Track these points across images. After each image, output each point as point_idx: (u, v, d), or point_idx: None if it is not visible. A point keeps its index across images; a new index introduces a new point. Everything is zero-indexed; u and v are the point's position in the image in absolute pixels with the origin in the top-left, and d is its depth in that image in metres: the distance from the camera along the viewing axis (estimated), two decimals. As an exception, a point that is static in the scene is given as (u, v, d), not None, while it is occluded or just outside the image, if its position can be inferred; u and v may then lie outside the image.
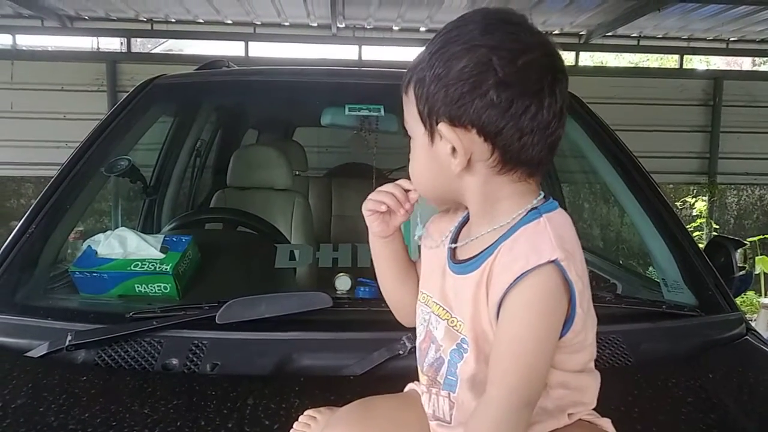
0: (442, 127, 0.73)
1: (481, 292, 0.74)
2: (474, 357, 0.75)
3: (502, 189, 0.75)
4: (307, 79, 2.08)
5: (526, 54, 0.71)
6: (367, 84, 2.05)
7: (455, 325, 0.78)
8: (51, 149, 5.91)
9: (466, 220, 0.85)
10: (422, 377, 0.84)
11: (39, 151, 5.99)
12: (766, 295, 5.39)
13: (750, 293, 5.52)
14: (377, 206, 0.87)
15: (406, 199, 0.86)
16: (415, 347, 1.05)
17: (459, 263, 0.79)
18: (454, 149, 0.73)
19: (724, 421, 1.01)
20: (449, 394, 0.79)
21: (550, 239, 0.71)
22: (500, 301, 0.71)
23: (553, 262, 0.69)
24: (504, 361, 0.71)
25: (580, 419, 0.80)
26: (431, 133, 0.75)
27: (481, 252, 0.76)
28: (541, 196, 0.77)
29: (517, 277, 0.69)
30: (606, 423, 0.83)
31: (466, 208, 0.83)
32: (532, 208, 0.75)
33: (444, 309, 0.81)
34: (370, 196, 0.88)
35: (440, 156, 0.75)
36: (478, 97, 0.71)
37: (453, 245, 0.83)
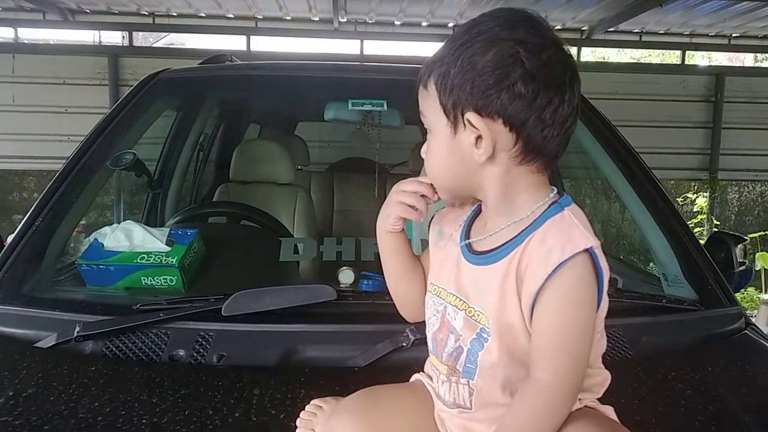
0: (471, 116, 0.75)
1: (509, 283, 0.76)
2: (497, 346, 0.78)
3: (521, 180, 0.78)
4: (309, 74, 2.09)
5: (549, 49, 0.75)
6: (369, 79, 2.06)
7: (473, 315, 0.80)
8: (53, 143, 5.94)
9: (475, 214, 0.86)
10: (441, 367, 0.85)
11: (41, 144, 6.01)
12: (766, 291, 5.41)
13: (750, 289, 5.54)
14: (408, 212, 0.86)
15: (431, 198, 0.86)
16: (418, 339, 1.09)
17: (479, 254, 0.81)
18: (478, 139, 0.75)
19: (722, 413, 1.02)
20: (468, 381, 0.81)
21: (580, 229, 0.75)
22: (536, 292, 0.73)
23: (587, 250, 0.73)
24: (553, 350, 0.74)
25: (585, 406, 0.82)
26: (455, 124, 0.77)
27: (505, 243, 0.78)
28: (555, 190, 0.80)
29: (555, 268, 0.72)
30: (609, 410, 0.85)
31: (475, 202, 0.85)
32: (553, 202, 0.78)
33: (461, 300, 0.82)
34: (399, 199, 0.86)
35: (463, 146, 0.77)
36: (505, 88, 0.73)
37: (468, 240, 0.84)
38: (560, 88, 0.75)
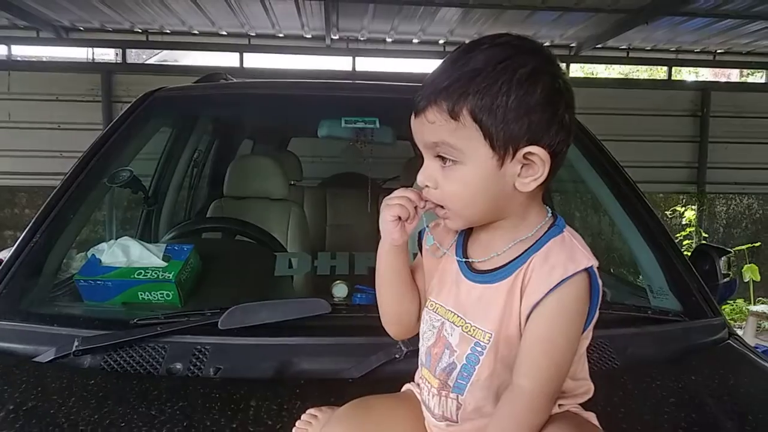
0: (532, 149, 0.77)
1: (513, 299, 0.80)
2: (492, 357, 0.81)
3: (534, 200, 0.83)
4: (302, 93, 2.13)
5: (563, 75, 0.80)
6: (360, 97, 2.10)
7: (469, 330, 0.83)
8: (45, 159, 5.94)
9: (466, 232, 0.89)
10: (433, 380, 0.87)
11: (33, 161, 6.01)
12: (755, 302, 5.46)
13: (740, 301, 5.60)
14: (402, 211, 0.85)
15: (418, 204, 0.86)
16: (411, 351, 1.11)
17: (483, 273, 0.84)
18: (522, 168, 0.78)
19: (705, 420, 1.05)
20: (457, 396, 0.85)
21: (581, 249, 0.79)
22: (534, 305, 0.77)
23: (587, 269, 0.77)
24: (537, 358, 0.78)
25: (568, 410, 0.86)
26: (503, 156, 0.77)
27: (510, 262, 0.82)
28: (549, 210, 0.85)
29: (557, 284, 0.76)
30: (591, 416, 0.88)
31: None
32: (551, 224, 0.83)
33: (458, 316, 0.85)
34: (388, 202, 0.86)
35: (506, 176, 0.78)
36: (557, 122, 0.78)
37: (468, 260, 0.86)
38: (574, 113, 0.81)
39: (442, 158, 0.80)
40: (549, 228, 0.83)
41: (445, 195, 0.81)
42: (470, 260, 0.86)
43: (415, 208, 0.85)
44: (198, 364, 1.15)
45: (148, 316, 1.26)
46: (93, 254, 1.48)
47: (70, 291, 1.51)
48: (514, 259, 0.81)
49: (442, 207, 0.83)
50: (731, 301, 5.52)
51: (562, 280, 0.76)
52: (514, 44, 0.79)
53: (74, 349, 1.15)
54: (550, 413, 0.81)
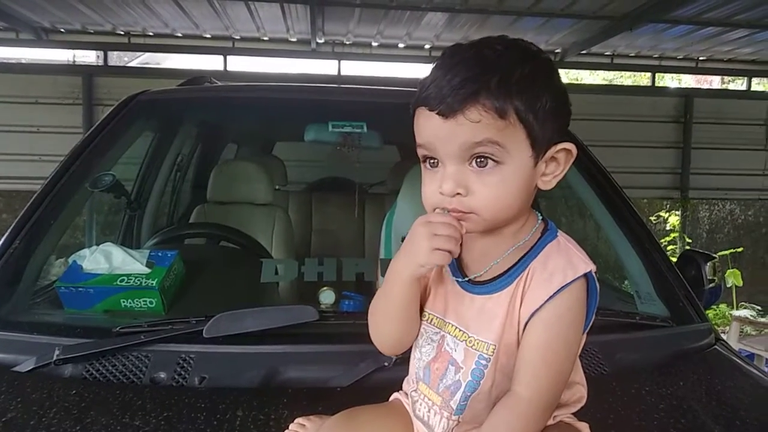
0: (565, 146, 0.79)
1: (514, 308, 0.79)
2: (494, 368, 0.80)
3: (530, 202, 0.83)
4: (287, 96, 2.12)
5: None
6: (347, 101, 2.09)
7: (473, 344, 0.81)
8: (24, 163, 5.86)
9: None
10: (435, 397, 0.85)
11: (11, 164, 5.93)
12: (737, 307, 5.52)
13: (722, 306, 5.66)
14: (446, 259, 0.77)
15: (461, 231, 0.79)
16: (400, 359, 1.09)
17: (482, 284, 0.82)
18: (547, 165, 0.80)
19: (693, 425, 1.05)
20: (458, 417, 0.83)
21: (578, 254, 0.79)
22: (533, 312, 0.77)
23: (585, 275, 0.77)
24: (536, 366, 0.77)
25: (560, 421, 0.85)
26: (539, 154, 0.78)
27: (509, 270, 0.80)
28: (539, 213, 0.85)
29: (556, 292, 0.76)
30: (584, 427, 0.87)
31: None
32: (544, 228, 0.83)
33: (461, 330, 0.83)
34: (435, 245, 0.76)
35: (536, 175, 0.79)
36: (569, 117, 0.81)
37: (470, 277, 0.84)
38: None
39: (480, 161, 0.76)
40: (542, 233, 0.82)
41: (479, 201, 0.76)
42: (470, 278, 0.84)
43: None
44: (182, 373, 1.13)
45: (131, 324, 1.23)
46: (74, 260, 1.45)
47: (51, 298, 1.47)
48: (513, 267, 0.80)
49: (464, 213, 0.78)
50: (714, 306, 5.57)
51: (561, 288, 0.76)
52: (527, 46, 0.80)
53: (55, 358, 1.12)
54: (546, 424, 0.80)
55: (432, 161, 0.79)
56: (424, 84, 0.77)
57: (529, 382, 0.77)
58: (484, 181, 0.76)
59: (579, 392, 0.88)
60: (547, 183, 0.81)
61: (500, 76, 0.73)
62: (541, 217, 0.85)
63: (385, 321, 0.89)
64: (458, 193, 0.76)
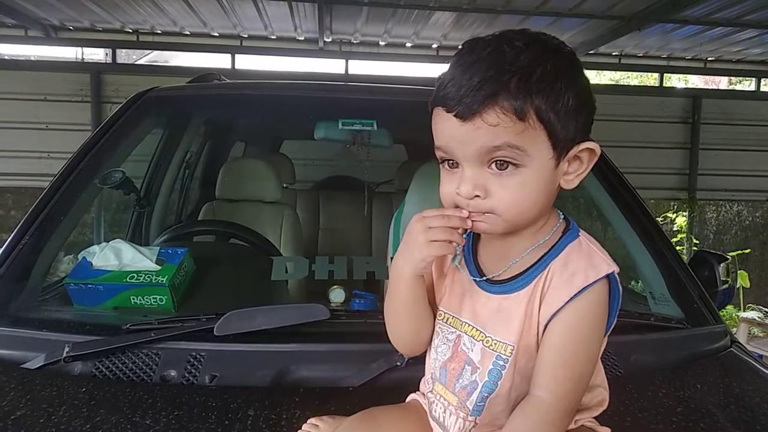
0: (587, 145, 0.77)
1: (533, 308, 0.77)
2: (512, 370, 0.78)
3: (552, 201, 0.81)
4: (296, 94, 2.10)
5: None
6: (356, 99, 2.07)
7: (490, 345, 0.80)
8: (32, 160, 5.87)
9: (473, 239, 0.86)
10: (451, 397, 0.83)
11: (19, 161, 5.93)
12: (744, 309, 5.49)
13: (729, 307, 5.63)
14: (447, 249, 0.78)
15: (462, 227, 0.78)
16: (412, 359, 1.08)
17: (500, 283, 0.81)
18: (569, 165, 0.77)
19: (713, 430, 1.03)
20: (475, 419, 0.81)
21: (600, 255, 0.77)
22: (553, 314, 0.75)
23: (607, 276, 0.75)
24: (556, 369, 0.75)
25: (582, 425, 0.83)
26: (561, 155, 0.76)
27: (528, 269, 0.79)
28: (560, 212, 0.83)
29: (577, 293, 0.74)
30: (606, 431, 0.85)
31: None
32: (565, 227, 0.81)
33: (477, 330, 0.81)
34: (432, 236, 0.77)
35: (558, 175, 0.77)
36: (593, 114, 0.78)
37: (488, 276, 0.82)
38: None
39: (499, 164, 0.74)
40: (564, 232, 0.80)
41: (499, 203, 0.75)
42: (488, 277, 0.82)
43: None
44: (193, 371, 1.12)
45: (141, 322, 1.22)
46: (84, 257, 1.44)
47: (60, 295, 1.47)
48: (532, 266, 0.79)
49: (483, 213, 0.76)
50: (723, 307, 5.54)
51: (583, 288, 0.74)
52: (548, 40, 0.76)
53: (64, 355, 1.11)
54: (567, 428, 0.78)
55: (450, 162, 0.78)
56: (442, 82, 0.75)
57: (549, 385, 0.75)
58: (503, 184, 0.74)
59: (600, 395, 0.87)
60: (570, 182, 0.78)
61: (520, 75, 0.71)
62: (562, 216, 0.83)
63: (396, 321, 0.89)
64: (477, 196, 0.75)
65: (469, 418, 0.81)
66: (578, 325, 0.75)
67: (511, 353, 0.78)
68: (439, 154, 0.79)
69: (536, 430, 0.75)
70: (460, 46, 0.77)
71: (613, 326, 0.80)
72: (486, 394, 0.80)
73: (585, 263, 0.76)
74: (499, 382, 0.79)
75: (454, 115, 0.73)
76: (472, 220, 0.77)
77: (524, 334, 0.77)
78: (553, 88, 0.72)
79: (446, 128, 0.75)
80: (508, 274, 0.81)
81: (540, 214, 0.79)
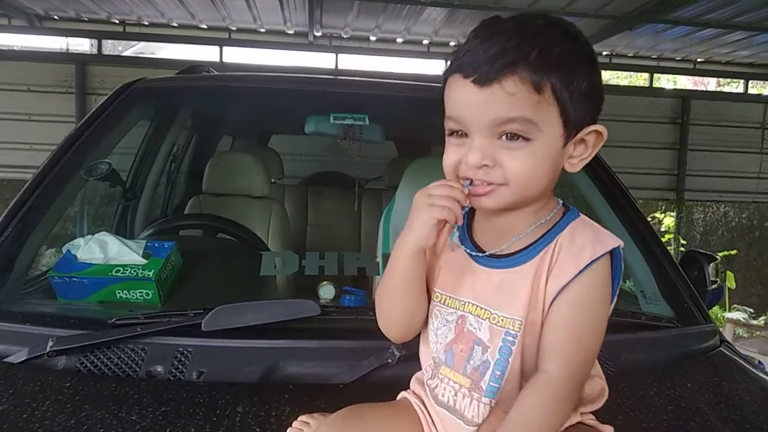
0: (598, 128, 0.79)
1: (540, 282, 0.76)
2: (519, 347, 0.78)
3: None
4: (286, 87, 2.08)
5: None
6: (344, 93, 2.05)
7: (497, 322, 0.78)
8: (15, 151, 5.79)
9: (469, 218, 0.86)
10: (463, 380, 0.81)
11: (2, 153, 5.85)
12: (729, 309, 5.54)
13: (715, 308, 5.68)
14: (449, 215, 0.76)
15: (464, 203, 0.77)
16: (403, 355, 1.07)
17: (503, 258, 0.80)
18: (575, 146, 0.79)
19: (703, 428, 1.03)
20: (490, 401, 0.79)
21: (604, 230, 0.78)
22: (561, 288, 0.75)
23: (613, 249, 0.76)
24: (564, 344, 0.75)
25: (582, 423, 0.82)
26: (570, 134, 0.77)
27: (533, 244, 0.79)
28: (559, 200, 0.84)
29: (585, 266, 0.74)
30: (608, 429, 0.85)
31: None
32: (566, 211, 0.82)
33: (482, 308, 0.80)
34: (432, 202, 0.77)
35: (564, 155, 0.78)
36: (602, 103, 0.80)
37: (493, 251, 0.81)
38: None
39: (510, 136, 0.74)
40: (564, 214, 0.81)
41: (509, 173, 0.75)
42: (491, 252, 0.81)
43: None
44: (180, 367, 1.10)
45: (127, 316, 1.19)
46: (68, 250, 1.41)
47: (44, 288, 1.44)
48: (537, 241, 0.79)
49: (488, 184, 0.76)
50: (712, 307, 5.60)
51: (591, 262, 0.74)
52: (568, 25, 0.78)
53: (48, 349, 1.09)
54: (575, 403, 0.78)
55: (458, 132, 0.78)
56: (458, 52, 0.76)
57: (558, 360, 0.75)
58: (513, 154, 0.75)
59: (599, 385, 0.86)
60: (574, 165, 0.80)
61: (540, 49, 0.72)
62: (561, 202, 0.83)
63: (391, 301, 0.86)
64: (485, 165, 0.75)
65: (484, 399, 0.79)
66: (585, 299, 0.75)
67: (520, 328, 0.77)
68: (449, 125, 0.79)
69: (547, 406, 0.75)
70: (479, 23, 0.78)
71: (613, 305, 0.81)
72: (498, 373, 0.78)
73: (592, 237, 0.76)
74: (510, 359, 0.78)
75: (472, 81, 0.73)
76: (476, 194, 0.77)
77: (531, 309, 0.77)
78: (569, 68, 0.74)
79: (462, 95, 0.75)
80: (510, 250, 0.80)
81: (544, 191, 0.79)
